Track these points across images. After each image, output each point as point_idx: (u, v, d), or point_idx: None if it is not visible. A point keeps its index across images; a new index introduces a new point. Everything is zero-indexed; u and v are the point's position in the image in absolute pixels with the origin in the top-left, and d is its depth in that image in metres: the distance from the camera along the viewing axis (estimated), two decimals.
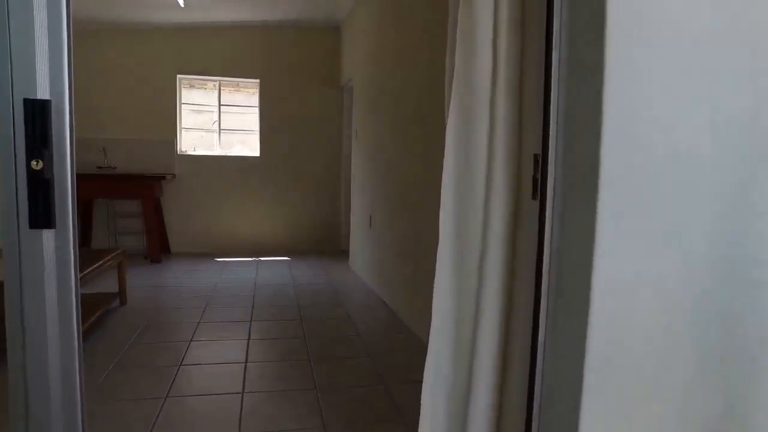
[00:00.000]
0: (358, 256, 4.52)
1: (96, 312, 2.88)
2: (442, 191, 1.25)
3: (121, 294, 3.33)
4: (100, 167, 5.03)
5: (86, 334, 2.69)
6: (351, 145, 5.62)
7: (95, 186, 4.62)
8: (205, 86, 5.43)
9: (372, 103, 4.08)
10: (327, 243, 5.75)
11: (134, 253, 5.18)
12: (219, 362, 2.48)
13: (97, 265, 2.77)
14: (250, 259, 5.13)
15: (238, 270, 4.59)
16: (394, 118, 3.44)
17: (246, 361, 2.50)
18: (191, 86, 5.41)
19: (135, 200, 4.91)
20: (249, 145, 5.56)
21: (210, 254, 5.31)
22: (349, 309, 3.45)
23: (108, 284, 3.49)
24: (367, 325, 3.10)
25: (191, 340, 2.76)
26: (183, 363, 2.45)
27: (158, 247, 4.77)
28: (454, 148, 1.24)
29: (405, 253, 3.19)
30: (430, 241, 3.01)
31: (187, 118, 5.40)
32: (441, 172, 1.25)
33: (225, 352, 2.63)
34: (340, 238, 5.78)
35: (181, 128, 5.34)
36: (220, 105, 5.44)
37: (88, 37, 4.95)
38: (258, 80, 5.42)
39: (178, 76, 5.24)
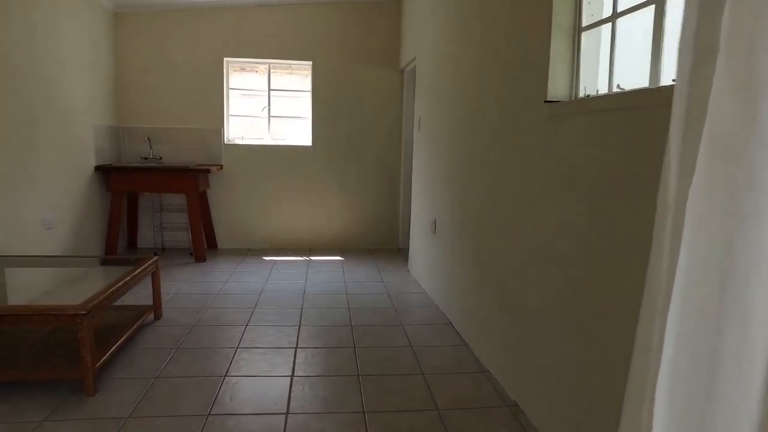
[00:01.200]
0: (420, 262, 3.99)
1: (124, 332, 2.52)
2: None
3: (156, 308, 2.97)
4: (145, 158, 4.75)
5: (106, 365, 2.33)
6: (413, 135, 5.05)
7: (138, 179, 4.33)
8: (256, 69, 5.00)
9: (440, 90, 3.49)
10: (383, 240, 5.25)
11: (181, 248, 4.90)
12: (254, 412, 2.04)
13: (118, 285, 2.38)
14: (300, 258, 4.71)
15: (286, 272, 4.18)
16: (468, 112, 2.84)
17: (287, 412, 2.04)
18: (241, 69, 5.00)
19: (180, 194, 4.59)
20: (300, 133, 5.11)
21: (259, 251, 4.94)
22: (413, 336, 2.93)
23: (146, 292, 3.14)
24: (434, 362, 2.57)
25: (225, 375, 2.34)
26: (212, 412, 2.02)
27: (203, 246, 4.45)
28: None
29: (480, 277, 2.62)
30: (517, 277, 2.19)
31: (234, 104, 5.01)
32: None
33: (262, 394, 2.19)
34: (398, 235, 5.26)
35: (228, 116, 4.96)
36: (269, 90, 5.01)
37: (125, 22, 4.62)
38: (310, 62, 4.94)
39: (225, 59, 4.84)
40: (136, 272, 2.60)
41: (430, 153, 3.71)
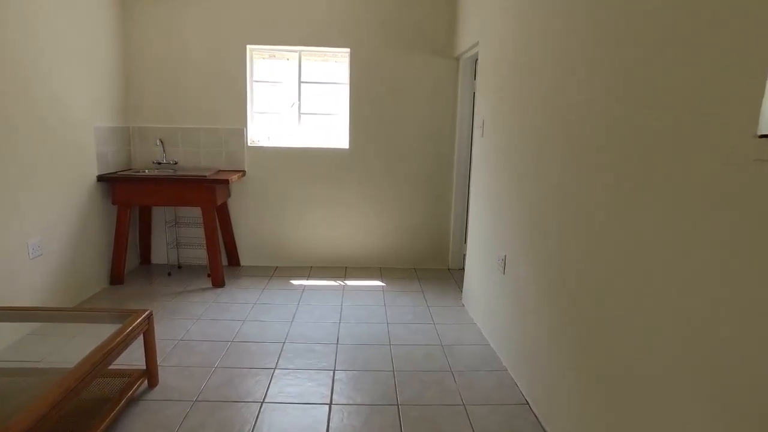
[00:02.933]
0: (479, 300, 3.21)
1: (107, 414, 1.88)
2: None
3: (150, 374, 2.33)
4: (158, 162, 4.12)
5: None
6: (471, 138, 4.22)
7: (146, 191, 3.69)
8: (287, 57, 4.27)
9: (513, 84, 2.66)
10: (430, 258, 4.49)
11: (199, 265, 4.28)
12: None
13: (97, 361, 1.71)
14: (334, 283, 4.01)
15: (317, 306, 3.49)
16: (577, 119, 2.03)
17: None
18: (268, 57, 4.28)
19: (195, 207, 3.95)
20: (336, 133, 4.37)
21: (286, 270, 4.28)
22: (480, 424, 2.18)
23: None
24: None
25: None
26: None
27: (220, 269, 3.80)
28: None
29: (583, 362, 1.84)
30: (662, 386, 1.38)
31: (259, 99, 4.30)
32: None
33: None
34: (449, 254, 4.49)
35: (252, 113, 4.26)
36: (300, 82, 4.27)
37: (134, 7, 3.95)
38: (348, 49, 4.16)
39: (249, 46, 4.12)
40: (110, 347, 1.93)
41: (498, 168, 2.90)
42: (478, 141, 3.35)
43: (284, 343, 2.90)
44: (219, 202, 3.83)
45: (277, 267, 4.38)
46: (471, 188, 3.54)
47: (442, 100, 4.25)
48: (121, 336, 2.01)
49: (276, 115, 4.33)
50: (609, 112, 1.70)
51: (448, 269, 4.48)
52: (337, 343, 2.91)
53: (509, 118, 2.72)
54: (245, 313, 3.31)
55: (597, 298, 1.76)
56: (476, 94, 3.41)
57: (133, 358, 2.53)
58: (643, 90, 1.51)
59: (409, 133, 4.27)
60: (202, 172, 3.92)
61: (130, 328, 2.08)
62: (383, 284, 4.01)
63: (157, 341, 2.75)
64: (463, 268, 4.43)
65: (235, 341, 2.90)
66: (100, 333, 2.08)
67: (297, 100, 4.28)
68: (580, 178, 1.90)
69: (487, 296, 3.05)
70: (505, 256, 2.74)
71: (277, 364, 2.65)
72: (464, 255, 4.44)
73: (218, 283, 3.80)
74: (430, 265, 4.51)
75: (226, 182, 3.68)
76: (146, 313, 2.24)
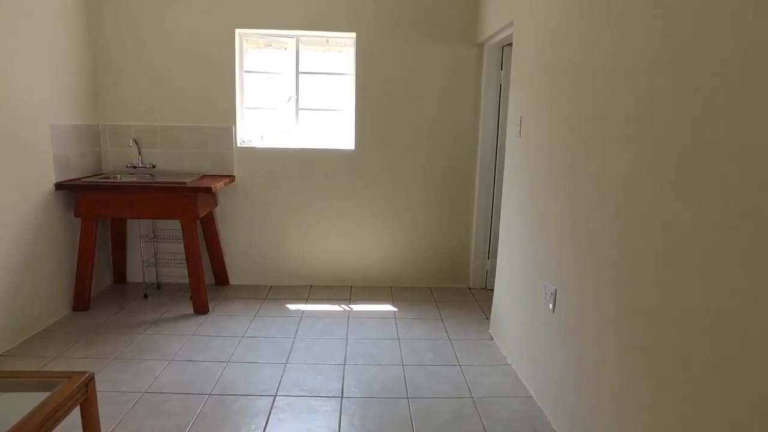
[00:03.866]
0: (513, 335, 2.63)
1: None
2: None
3: None
4: (133, 166, 3.54)
5: None
6: (497, 138, 3.63)
7: (114, 201, 3.11)
8: (285, 45, 3.67)
9: (565, 73, 2.07)
10: (448, 276, 3.90)
11: (181, 284, 3.70)
12: None
13: None
14: (337, 308, 3.43)
15: (317, 341, 2.91)
16: (633, 115, 1.43)
17: None
18: (264, 46, 3.69)
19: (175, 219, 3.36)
20: (339, 132, 3.78)
21: (282, 291, 3.70)
22: None
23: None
24: None
25: None
26: None
27: (203, 293, 3.22)
28: None
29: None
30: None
31: (250, 92, 3.71)
32: None
33: None
34: (469, 272, 3.90)
35: (242, 109, 3.68)
36: (298, 73, 3.68)
37: None
38: (354, 34, 3.57)
39: (237, 31, 3.53)
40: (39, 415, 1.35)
41: (541, 177, 2.30)
42: (512, 142, 2.75)
43: (275, 396, 2.31)
44: (202, 213, 3.25)
45: (271, 287, 3.80)
46: (503, 199, 2.94)
47: (463, 93, 3.65)
48: (39, 418, 1.43)
49: (270, 111, 3.74)
50: (706, 111, 1.11)
51: (469, 288, 3.89)
52: (341, 396, 2.32)
53: (559, 116, 2.13)
54: (230, 351, 2.73)
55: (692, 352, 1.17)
56: (510, 86, 2.81)
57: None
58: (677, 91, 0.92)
59: (423, 132, 3.68)
60: (184, 177, 3.34)
61: (51, 407, 1.50)
62: (395, 309, 3.43)
63: (116, 395, 2.19)
64: (486, 287, 3.85)
65: (213, 394, 2.31)
66: (17, 405, 1.51)
67: (294, 94, 3.69)
68: (665, 197, 1.31)
69: (527, 335, 2.46)
70: (555, 290, 2.15)
71: (265, 429, 2.07)
72: (487, 272, 3.86)
73: (201, 309, 3.22)
74: (448, 283, 3.92)
75: (210, 190, 3.09)
76: (83, 379, 1.66)
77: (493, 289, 3.65)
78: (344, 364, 2.63)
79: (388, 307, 3.45)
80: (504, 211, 2.91)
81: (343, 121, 3.76)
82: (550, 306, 2.19)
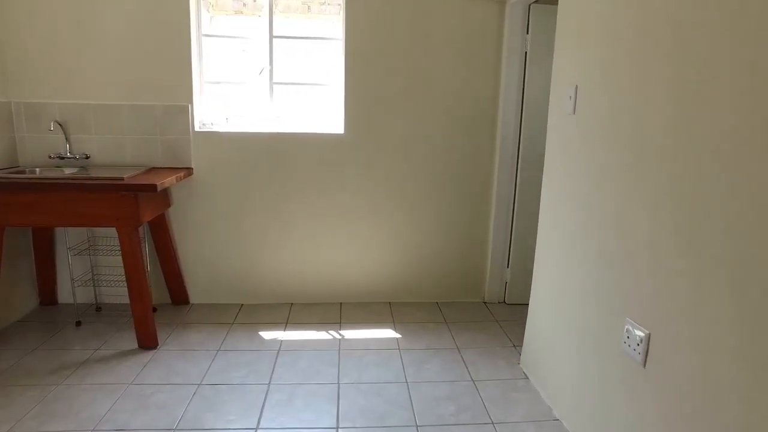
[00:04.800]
0: (559, 376, 1.94)
1: None
2: None
3: None
4: (59, 156, 2.76)
5: None
6: (521, 121, 2.93)
7: (24, 205, 2.33)
8: (258, 13, 2.90)
9: (662, 22, 1.36)
10: (460, 290, 3.21)
11: (128, 312, 2.94)
12: None
13: None
14: (325, 335, 2.71)
15: (299, 383, 2.19)
16: None
17: None
18: (234, 13, 2.91)
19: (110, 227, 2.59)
20: (325, 112, 3.03)
21: (255, 311, 2.97)
22: None
23: None
24: None
25: None
26: None
27: (149, 324, 2.46)
28: None
29: None
30: None
31: (212, 62, 2.94)
32: None
33: None
34: (484, 284, 3.21)
35: (201, 83, 2.90)
36: (271, 38, 2.91)
37: None
38: None
39: None
40: None
41: (619, 167, 1.59)
42: (560, 121, 2.03)
43: None
44: (147, 218, 2.49)
45: (242, 306, 3.06)
46: (544, 196, 2.23)
47: (479, 64, 2.92)
48: None
49: (238, 86, 2.97)
50: None
51: (484, 303, 3.21)
52: None
53: (654, 81, 1.42)
54: (179, 411, 2.00)
55: None
56: (557, 45, 2.09)
57: None
58: None
59: (430, 113, 2.95)
60: (125, 171, 2.57)
61: None
62: (398, 335, 2.72)
63: None
64: (506, 302, 3.17)
65: None
66: None
67: (268, 65, 2.93)
68: None
69: (590, 385, 1.77)
70: (647, 337, 1.46)
71: None
72: (506, 283, 3.18)
73: (147, 343, 2.47)
74: (459, 297, 3.23)
75: (155, 188, 2.33)
76: None
77: (513, 304, 2.98)
78: (337, 428, 1.91)
79: (388, 333, 2.75)
80: (545, 213, 2.21)
81: (329, 99, 3.01)
82: (638, 356, 1.50)
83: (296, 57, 2.98)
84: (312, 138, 2.92)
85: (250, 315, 2.92)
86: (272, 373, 2.29)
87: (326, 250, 3.07)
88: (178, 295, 2.99)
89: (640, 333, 1.50)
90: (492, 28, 2.89)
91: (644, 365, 1.49)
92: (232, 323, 2.81)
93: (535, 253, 2.32)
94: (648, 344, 1.47)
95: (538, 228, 2.28)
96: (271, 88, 2.94)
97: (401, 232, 3.09)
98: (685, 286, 1.31)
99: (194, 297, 3.05)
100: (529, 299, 3.08)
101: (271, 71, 2.92)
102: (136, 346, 2.49)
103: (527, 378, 2.31)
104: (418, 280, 3.17)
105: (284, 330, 2.74)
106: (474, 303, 3.20)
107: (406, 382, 2.25)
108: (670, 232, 1.37)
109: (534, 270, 2.33)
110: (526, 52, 2.87)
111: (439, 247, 3.14)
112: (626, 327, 1.57)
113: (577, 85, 1.90)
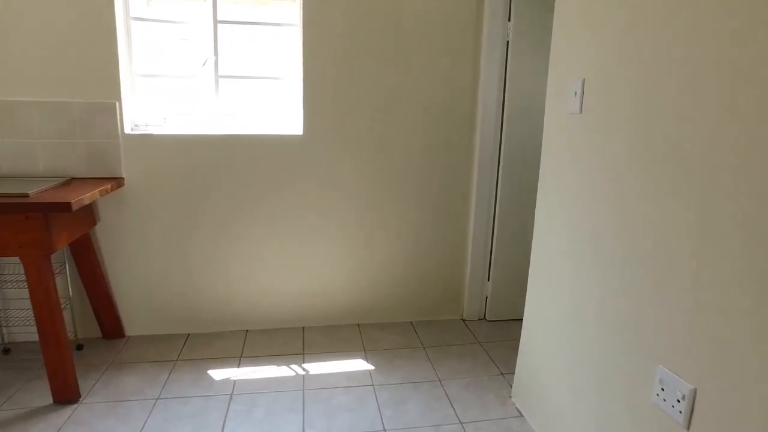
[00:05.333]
0: (565, 418, 1.66)
1: None
2: None
3: None
4: None
5: None
6: (497, 119, 2.64)
7: None
8: None
9: None
10: (436, 307, 2.90)
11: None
12: None
13: None
14: (286, 370, 2.33)
15: None
16: None
17: None
18: None
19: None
20: (281, 110, 2.63)
21: (204, 343, 2.55)
22: None
23: None
24: None
25: None
26: None
27: (68, 370, 2.01)
28: None
29: None
30: None
31: (144, 52, 2.48)
32: None
33: None
34: (463, 299, 2.91)
35: (132, 76, 2.44)
36: (216, 23, 2.49)
37: None
38: None
39: None
40: None
41: (647, 176, 1.30)
42: (561, 122, 1.73)
43: None
44: (63, 243, 2.03)
45: (188, 336, 2.63)
46: (540, 207, 1.93)
47: (455, 56, 2.60)
48: None
49: (178, 80, 2.53)
50: None
51: (463, 320, 2.91)
52: None
53: (708, 62, 1.12)
54: None
55: None
56: (555, 31, 1.79)
57: None
58: None
59: (401, 112, 2.61)
60: (37, 185, 2.10)
61: None
62: (370, 366, 2.38)
63: None
64: (486, 318, 2.89)
65: None
66: None
67: (213, 55, 2.50)
68: None
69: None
70: (692, 393, 1.18)
71: None
72: (487, 298, 2.89)
73: (65, 396, 2.02)
74: (436, 315, 2.91)
75: (68, 207, 1.87)
76: None
77: (495, 321, 2.71)
78: None
79: (359, 364, 2.39)
80: (542, 226, 1.90)
81: (286, 95, 2.62)
82: (678, 415, 1.21)
83: (246, 46, 2.56)
84: (266, 140, 2.52)
85: (198, 348, 2.50)
86: (222, 428, 1.90)
87: (285, 269, 2.68)
88: (111, 328, 2.53)
89: (680, 386, 1.21)
90: (470, 15, 2.57)
91: (688, 427, 1.20)
92: (176, 360, 2.39)
93: (530, 273, 2.02)
94: (693, 400, 1.18)
95: (534, 242, 1.98)
96: (217, 83, 2.52)
97: (370, 244, 2.74)
98: (745, 331, 1.03)
99: (130, 329, 2.60)
100: (512, 315, 2.80)
101: (216, 62, 2.50)
102: (50, 401, 2.03)
103: (521, 416, 2.02)
104: (390, 298, 2.83)
105: (238, 366, 2.35)
106: (452, 321, 2.90)
107: (383, 430, 1.91)
108: (727, 258, 1.08)
109: (528, 292, 2.03)
110: (507, 42, 2.57)
111: (413, 261, 2.81)
112: (659, 376, 1.28)
113: (584, 79, 1.60)
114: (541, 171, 1.90)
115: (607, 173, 1.48)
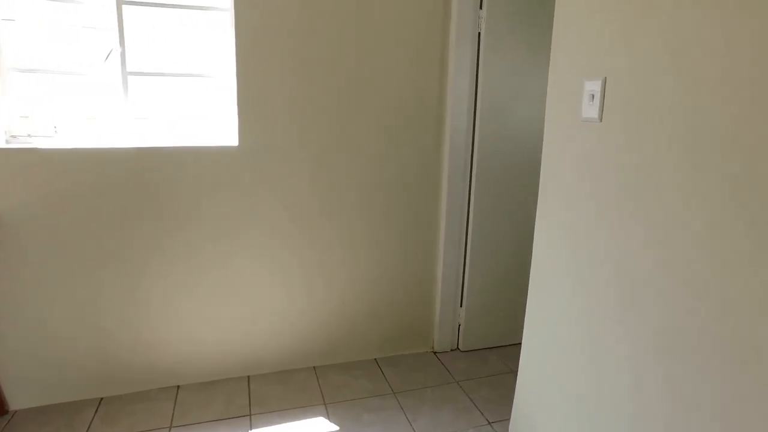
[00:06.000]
0: None
1: None
2: None
3: None
4: None
5: None
6: (468, 123, 2.29)
7: None
8: None
9: None
10: (403, 339, 2.52)
11: None
12: None
13: None
14: None
15: None
16: None
17: None
18: None
19: None
20: (210, 118, 2.14)
21: (123, 409, 2.02)
22: None
23: None
24: None
25: None
26: None
27: None
28: None
29: None
30: None
31: (23, 40, 1.90)
32: None
33: None
34: (433, 329, 2.55)
35: (4, 70, 1.86)
36: (120, 7, 1.95)
37: None
38: None
39: None
40: None
41: (697, 206, 0.98)
42: (568, 132, 1.38)
43: None
44: None
45: (101, 401, 2.09)
46: (541, 230, 1.58)
47: (420, 50, 2.22)
48: None
49: (72, 78, 1.97)
50: None
51: (434, 353, 2.55)
52: None
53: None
54: None
55: None
56: (557, 21, 1.44)
57: None
58: None
59: (359, 116, 2.20)
60: None
61: None
62: (333, 427, 1.95)
63: None
64: (459, 348, 2.56)
65: None
66: None
67: (118, 45, 1.97)
68: None
69: None
70: None
71: None
72: (460, 326, 2.55)
73: None
74: (403, 348, 2.54)
75: None
76: None
77: (470, 351, 2.40)
78: None
79: (320, 424, 1.97)
80: (543, 260, 1.56)
81: (216, 97, 2.12)
82: None
83: (164, 36, 2.05)
84: (191, 155, 2.02)
85: (113, 417, 1.97)
86: None
87: (224, 307, 2.19)
88: None
89: None
90: (436, 3, 2.19)
91: None
92: None
93: (527, 309, 1.67)
94: None
95: (532, 277, 1.64)
96: (126, 82, 1.98)
97: (325, 273, 2.31)
98: None
99: (17, 400, 2.02)
100: (488, 343, 2.49)
101: (123, 55, 1.97)
102: None
103: None
104: (351, 333, 2.42)
105: None
106: (422, 355, 2.53)
107: None
108: None
109: (523, 346, 1.69)
110: (479, 33, 2.22)
111: (376, 289, 2.41)
112: None
113: (605, 78, 1.26)
114: (540, 188, 1.56)
115: (639, 194, 1.15)
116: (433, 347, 2.57)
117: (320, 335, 2.37)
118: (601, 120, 1.28)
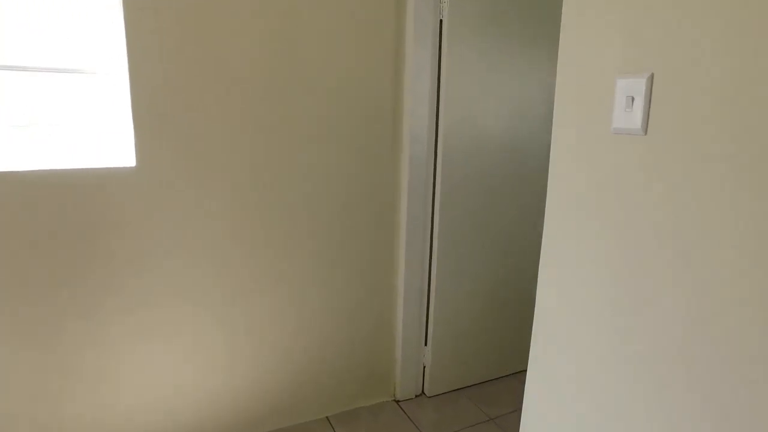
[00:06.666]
0: None
1: None
2: None
3: None
4: None
5: None
6: (430, 131, 1.92)
7: None
8: None
9: None
10: (359, 390, 2.11)
11: None
12: None
13: None
14: None
15: None
16: None
17: None
18: None
19: None
20: (97, 129, 1.59)
21: None
22: None
23: None
24: None
25: None
26: None
27: None
28: None
29: None
30: None
31: None
32: None
33: None
34: (393, 372, 2.16)
35: None
36: None
37: None
38: None
39: None
40: None
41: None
42: (596, 146, 1.03)
43: None
44: None
45: None
46: (545, 265, 1.22)
47: (371, 41, 1.81)
48: None
49: None
50: None
51: (396, 401, 2.16)
52: None
53: None
54: None
55: None
56: (567, 4, 1.08)
57: None
58: None
59: (294, 123, 1.75)
60: None
61: None
62: None
63: None
64: (426, 393, 2.19)
65: None
66: None
67: None
68: None
69: None
70: None
71: None
72: (424, 368, 2.18)
73: None
74: (360, 400, 2.12)
75: None
76: None
77: (437, 395, 2.08)
78: None
79: None
80: (551, 299, 1.20)
81: (105, 101, 1.59)
82: None
83: (33, 20, 1.48)
84: (72, 180, 1.48)
85: None
86: None
87: (123, 379, 1.66)
88: None
89: None
90: None
91: None
92: None
93: (527, 386, 1.31)
94: None
95: (536, 324, 1.28)
96: None
97: (256, 322, 1.84)
98: None
99: None
100: (457, 384, 2.15)
101: None
102: None
103: None
104: (296, 388, 1.97)
105: None
106: (383, 405, 2.13)
107: None
108: None
109: (523, 418, 1.33)
110: (441, 21, 1.84)
111: (324, 334, 1.98)
112: None
113: (652, 74, 0.91)
114: (547, 214, 1.20)
115: (700, 252, 0.81)
116: (394, 395, 2.18)
117: (259, 398, 1.89)
118: (645, 132, 0.94)
